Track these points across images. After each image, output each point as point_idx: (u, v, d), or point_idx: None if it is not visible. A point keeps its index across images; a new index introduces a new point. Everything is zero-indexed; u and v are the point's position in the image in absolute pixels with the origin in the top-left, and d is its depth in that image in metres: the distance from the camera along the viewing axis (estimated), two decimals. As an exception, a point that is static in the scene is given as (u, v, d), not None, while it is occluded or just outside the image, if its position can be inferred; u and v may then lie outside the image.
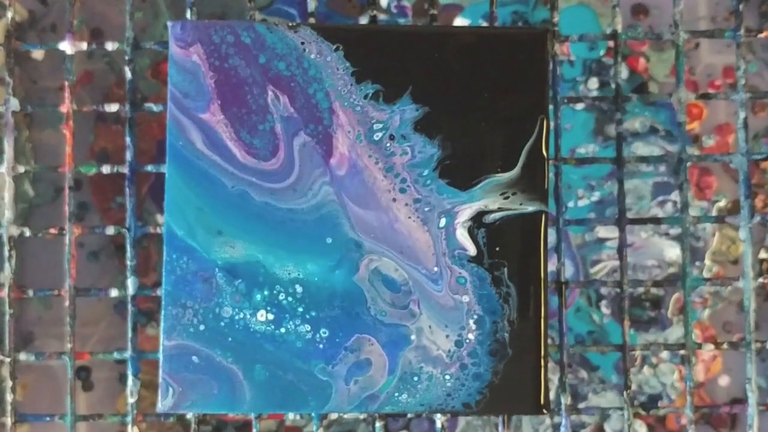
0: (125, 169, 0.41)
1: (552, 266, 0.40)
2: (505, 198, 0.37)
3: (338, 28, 0.38)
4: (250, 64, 0.37)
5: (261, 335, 0.36)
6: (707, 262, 0.60)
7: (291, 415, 0.42)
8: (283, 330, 0.36)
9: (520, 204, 0.37)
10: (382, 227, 0.37)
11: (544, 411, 0.37)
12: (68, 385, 0.40)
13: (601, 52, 0.61)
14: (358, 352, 0.37)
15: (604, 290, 0.60)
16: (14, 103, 0.41)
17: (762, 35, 0.42)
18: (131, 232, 0.40)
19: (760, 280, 0.41)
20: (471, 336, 0.37)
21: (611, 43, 0.57)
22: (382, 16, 0.60)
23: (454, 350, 0.37)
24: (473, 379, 0.37)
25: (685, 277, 0.41)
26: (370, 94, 0.37)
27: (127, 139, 0.41)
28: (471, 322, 0.37)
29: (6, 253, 0.40)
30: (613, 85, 0.42)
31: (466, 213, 0.37)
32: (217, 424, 0.58)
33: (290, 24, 0.38)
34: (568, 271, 0.60)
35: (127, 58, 0.41)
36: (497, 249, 0.37)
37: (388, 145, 0.37)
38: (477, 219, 0.37)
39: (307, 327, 0.37)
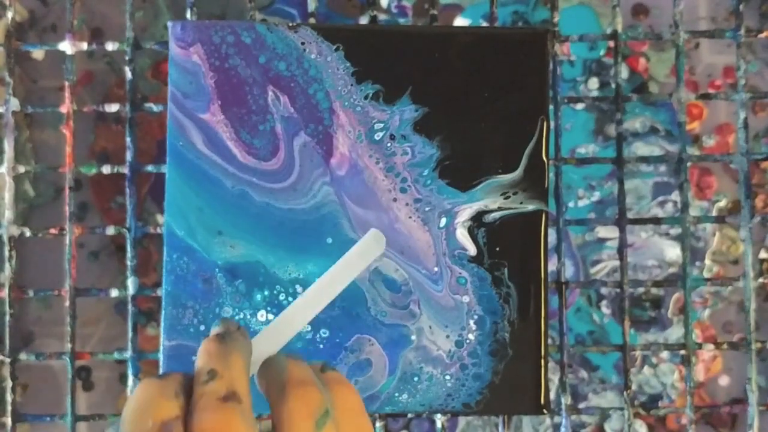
0: (125, 169, 0.41)
1: (552, 266, 0.40)
2: (506, 198, 0.37)
3: (338, 28, 0.38)
4: (251, 65, 0.37)
5: (261, 335, 0.36)
6: (707, 262, 0.60)
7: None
8: (283, 330, 0.36)
9: (521, 203, 0.37)
10: (383, 227, 0.37)
11: (545, 411, 0.37)
12: (68, 385, 0.40)
13: (601, 52, 0.61)
14: (358, 353, 0.37)
15: (604, 290, 0.60)
16: (14, 103, 0.41)
17: (762, 35, 0.42)
18: (131, 232, 0.40)
19: (761, 280, 0.41)
20: (471, 336, 0.37)
21: (611, 43, 0.57)
22: (382, 16, 0.60)
23: (455, 350, 0.37)
24: (473, 380, 0.37)
25: (685, 277, 0.41)
26: (371, 94, 0.37)
27: (128, 139, 0.41)
28: (471, 322, 0.37)
29: (6, 253, 0.40)
30: (613, 85, 0.42)
31: (466, 213, 0.37)
32: (218, 424, 0.57)
33: (290, 24, 0.38)
34: (569, 271, 0.60)
35: (127, 58, 0.41)
36: (497, 249, 0.37)
37: (389, 144, 0.37)
38: (477, 219, 0.37)
39: (308, 327, 0.37)
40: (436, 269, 0.37)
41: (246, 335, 0.25)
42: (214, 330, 0.24)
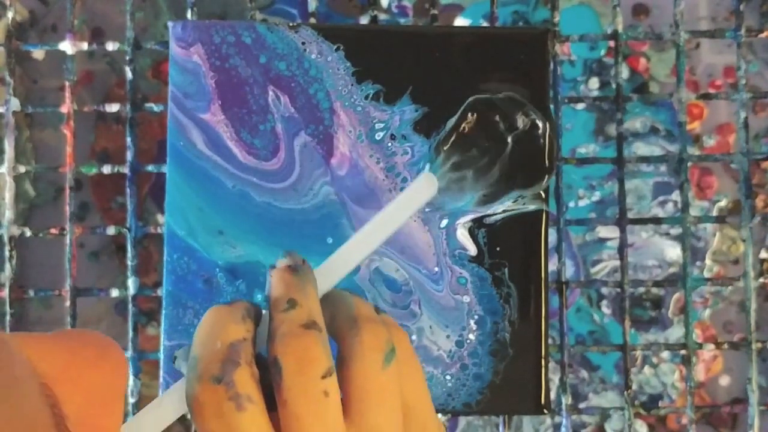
0: (126, 169, 0.41)
1: (553, 266, 0.40)
2: (506, 198, 0.37)
3: (339, 28, 0.38)
4: (251, 64, 0.37)
5: (262, 335, 0.36)
6: (708, 261, 0.60)
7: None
8: (283, 330, 0.36)
9: (522, 203, 0.37)
10: (383, 227, 0.37)
11: (545, 411, 0.37)
12: (69, 385, 0.40)
13: (602, 52, 0.61)
14: (358, 352, 0.37)
15: (604, 290, 0.60)
16: (15, 103, 0.41)
17: (762, 35, 0.42)
18: (132, 232, 0.40)
19: (761, 280, 0.41)
20: (472, 336, 0.37)
21: (612, 43, 0.57)
22: (382, 16, 0.60)
23: (455, 350, 0.37)
24: (474, 379, 0.37)
25: (685, 277, 0.41)
26: (371, 94, 0.37)
27: (128, 139, 0.41)
28: (472, 322, 0.37)
29: (6, 253, 0.40)
30: (613, 85, 0.42)
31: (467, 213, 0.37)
32: (218, 424, 0.57)
33: (291, 24, 0.38)
34: (569, 271, 0.60)
35: (127, 58, 0.41)
36: (498, 249, 0.37)
37: (389, 144, 0.37)
38: (478, 219, 0.37)
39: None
40: (436, 269, 0.37)
41: (311, 268, 0.25)
42: (283, 261, 0.25)
